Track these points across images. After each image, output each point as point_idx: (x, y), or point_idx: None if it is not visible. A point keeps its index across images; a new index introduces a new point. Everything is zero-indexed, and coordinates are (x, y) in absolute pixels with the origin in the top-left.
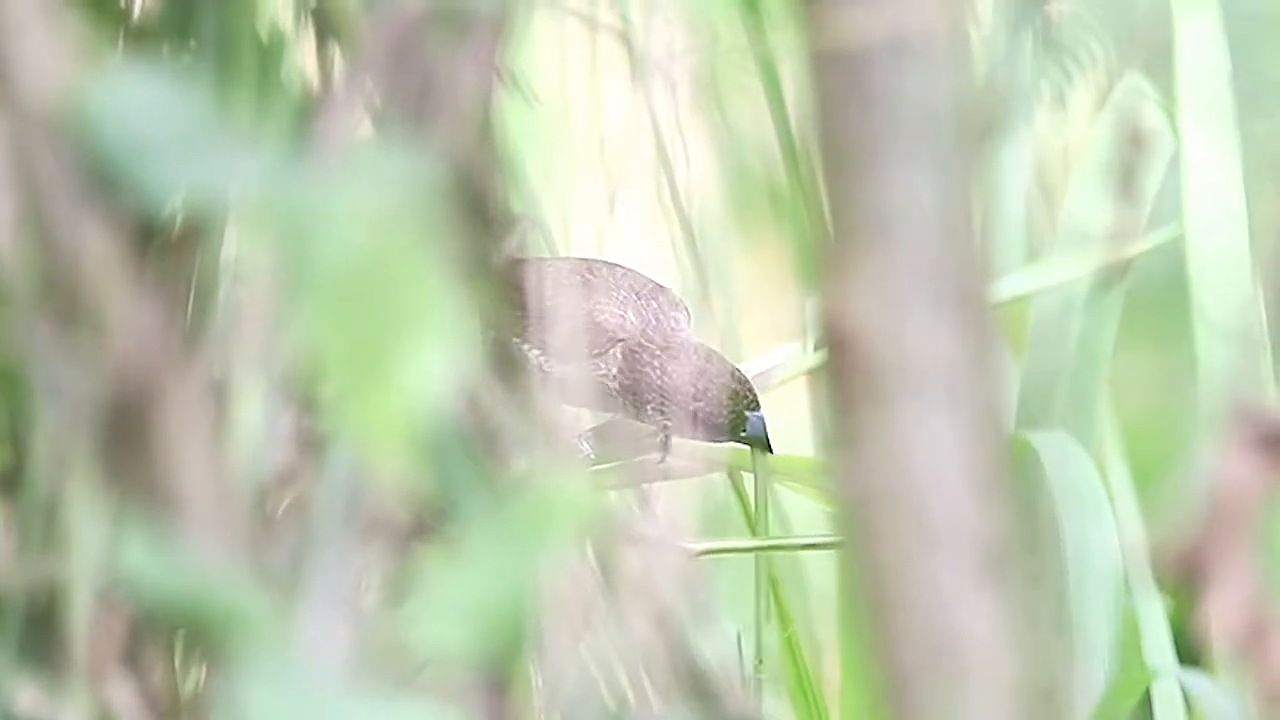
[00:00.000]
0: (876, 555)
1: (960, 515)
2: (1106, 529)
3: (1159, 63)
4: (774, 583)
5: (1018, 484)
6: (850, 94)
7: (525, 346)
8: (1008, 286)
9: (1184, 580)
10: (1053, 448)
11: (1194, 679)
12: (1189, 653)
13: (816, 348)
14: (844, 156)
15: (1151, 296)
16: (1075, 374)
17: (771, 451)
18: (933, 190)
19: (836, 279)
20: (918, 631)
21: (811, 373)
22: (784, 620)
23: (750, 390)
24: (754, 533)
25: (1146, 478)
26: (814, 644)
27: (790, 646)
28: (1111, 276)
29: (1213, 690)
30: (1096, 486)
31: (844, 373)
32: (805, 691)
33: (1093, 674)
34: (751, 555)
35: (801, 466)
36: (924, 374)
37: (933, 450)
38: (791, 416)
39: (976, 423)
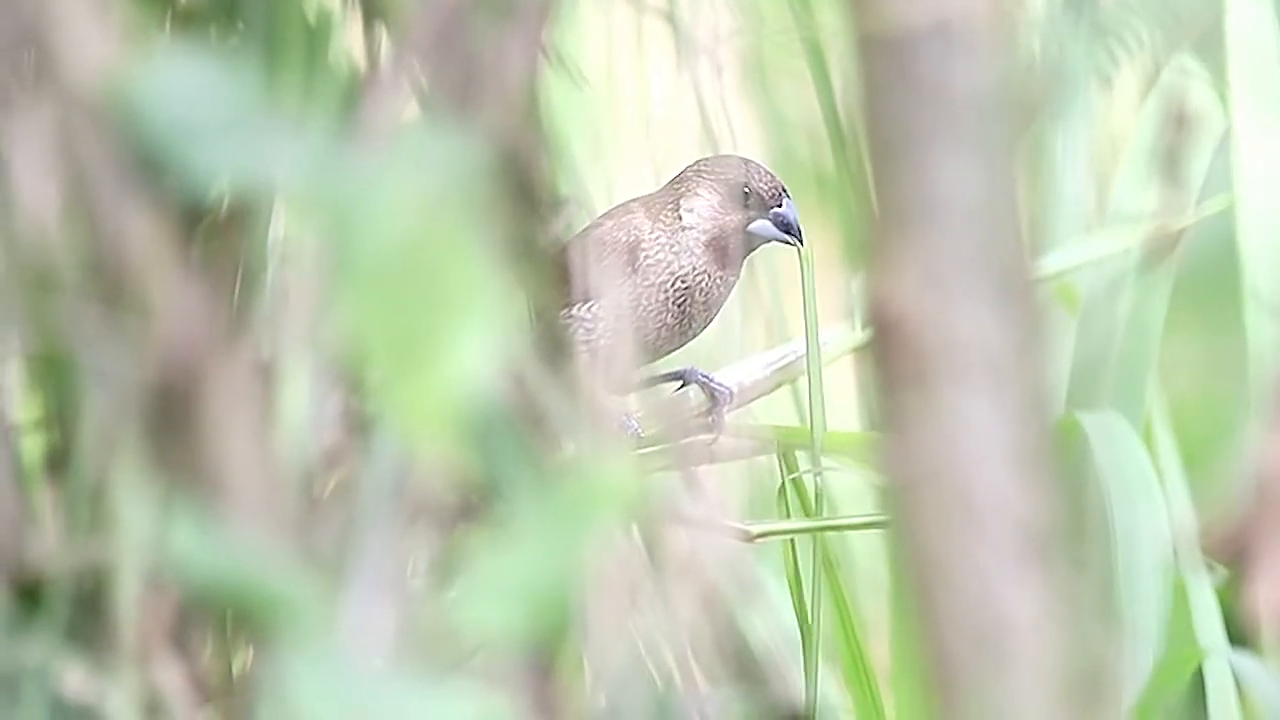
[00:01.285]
0: (921, 539)
1: (1005, 499)
2: (1156, 509)
3: (1208, 43)
4: (829, 564)
5: (1066, 465)
6: (896, 78)
7: (572, 311)
8: (1055, 261)
9: (1230, 560)
10: (1102, 427)
11: (1242, 659)
12: (1240, 632)
13: (863, 330)
14: (890, 141)
15: (1202, 276)
16: (1125, 354)
17: (802, 244)
18: (978, 175)
19: (882, 263)
20: (962, 615)
21: (858, 351)
22: (838, 600)
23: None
24: (806, 513)
25: (1196, 457)
26: (862, 623)
27: (845, 627)
28: (1160, 256)
29: (1261, 670)
30: (1146, 466)
31: (889, 356)
32: (860, 672)
33: (1142, 654)
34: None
35: (849, 442)
36: (969, 358)
37: (977, 434)
38: (839, 394)
39: (1021, 406)
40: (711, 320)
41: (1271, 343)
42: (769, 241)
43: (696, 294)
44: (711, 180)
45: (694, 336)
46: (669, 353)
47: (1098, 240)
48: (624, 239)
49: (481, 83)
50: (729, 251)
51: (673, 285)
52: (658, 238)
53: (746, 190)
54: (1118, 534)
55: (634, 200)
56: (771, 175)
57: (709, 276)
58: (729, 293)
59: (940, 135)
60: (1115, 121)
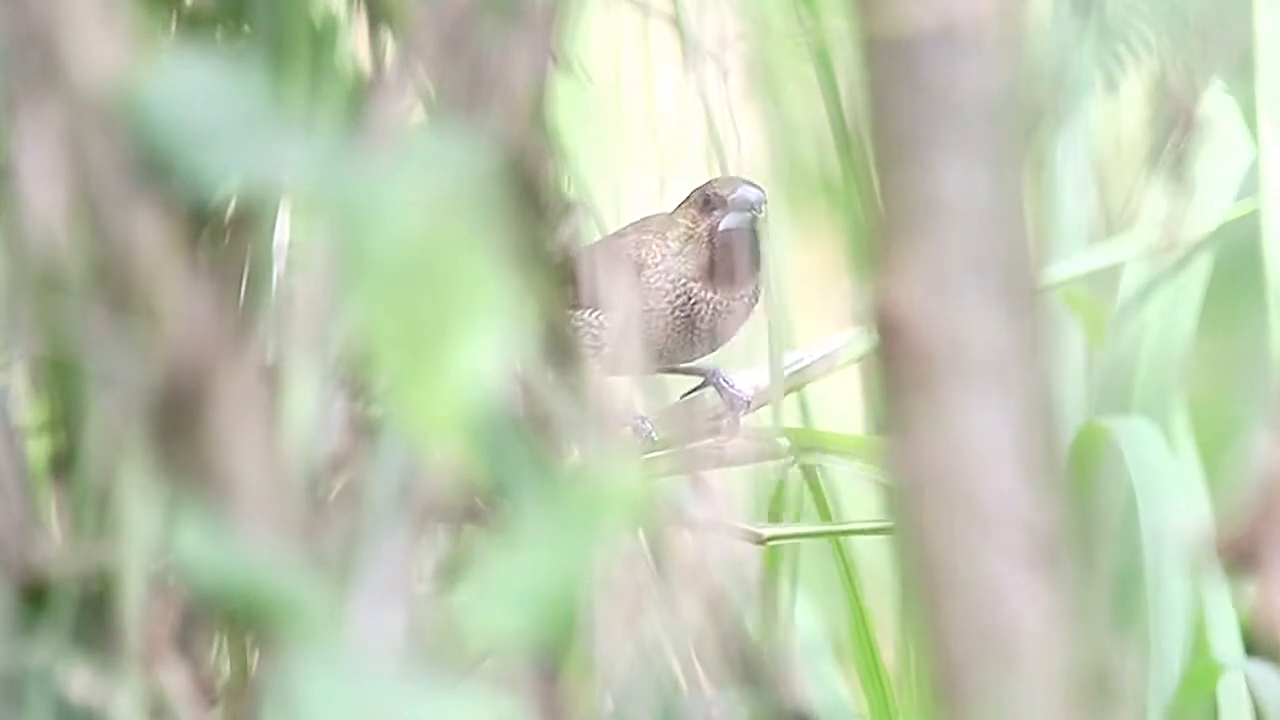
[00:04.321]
0: (927, 543)
1: (1011, 502)
2: (1185, 516)
3: (1219, 48)
4: (847, 569)
5: (1075, 468)
6: (902, 82)
7: (580, 313)
8: (1062, 269)
9: (1236, 565)
10: (1131, 435)
11: (1257, 667)
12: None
13: (869, 334)
14: (895, 144)
15: (1231, 282)
16: (1153, 361)
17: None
18: (984, 179)
19: (888, 266)
20: (969, 619)
21: (865, 357)
22: (854, 604)
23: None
24: (823, 516)
25: (1214, 462)
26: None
27: (860, 631)
28: (1176, 261)
29: (1275, 678)
30: (1173, 472)
31: (895, 360)
32: (875, 676)
33: (1169, 661)
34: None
35: (855, 445)
36: (974, 361)
37: (983, 437)
38: (845, 398)
39: (1027, 410)
40: (720, 343)
41: None
42: (750, 232)
43: (699, 321)
44: (686, 203)
45: (701, 354)
46: (676, 365)
47: (1106, 247)
48: (634, 256)
49: (488, 86)
50: (724, 266)
51: (674, 311)
52: (660, 261)
53: (708, 197)
54: (1146, 540)
55: (650, 220)
56: (733, 178)
57: (706, 304)
58: (745, 313)
59: (946, 139)
60: (1121, 126)
